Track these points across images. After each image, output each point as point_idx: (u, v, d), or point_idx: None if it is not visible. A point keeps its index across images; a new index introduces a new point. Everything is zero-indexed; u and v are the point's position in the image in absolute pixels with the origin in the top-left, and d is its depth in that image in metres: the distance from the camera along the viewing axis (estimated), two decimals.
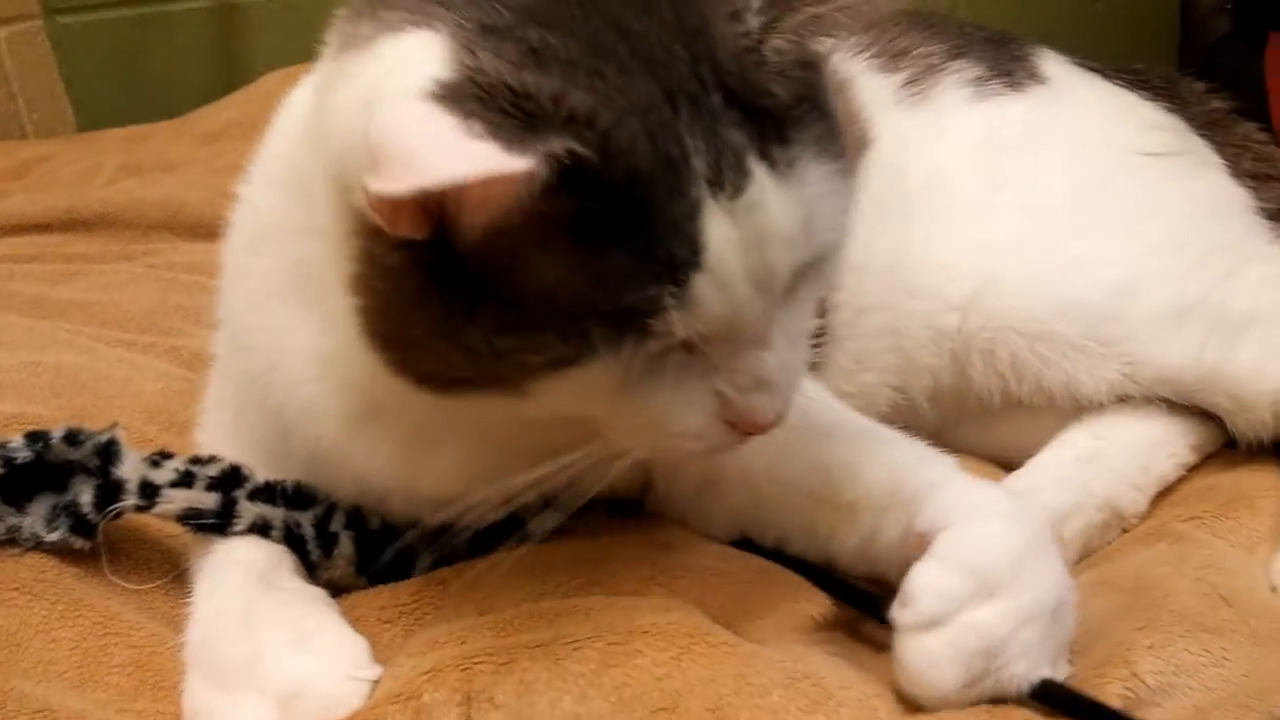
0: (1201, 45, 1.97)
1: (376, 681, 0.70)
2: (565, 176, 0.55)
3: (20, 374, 1.06)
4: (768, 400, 0.65)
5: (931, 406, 1.06)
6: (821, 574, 0.78)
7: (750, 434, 0.66)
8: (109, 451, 0.77)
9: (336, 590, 0.80)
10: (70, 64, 2.30)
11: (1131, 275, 0.97)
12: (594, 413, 0.65)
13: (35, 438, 0.77)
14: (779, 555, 0.80)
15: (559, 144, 0.55)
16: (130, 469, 0.76)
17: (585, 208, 0.57)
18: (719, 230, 0.59)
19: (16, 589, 0.74)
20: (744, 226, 0.59)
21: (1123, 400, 0.98)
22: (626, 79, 0.58)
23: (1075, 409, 0.99)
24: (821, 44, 0.63)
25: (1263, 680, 0.69)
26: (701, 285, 0.59)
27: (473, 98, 0.56)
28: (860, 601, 0.77)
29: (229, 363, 0.85)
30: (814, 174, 0.62)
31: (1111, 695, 0.67)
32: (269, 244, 0.79)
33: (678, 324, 0.59)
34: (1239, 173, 1.15)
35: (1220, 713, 0.67)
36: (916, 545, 0.70)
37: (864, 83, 1.06)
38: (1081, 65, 1.19)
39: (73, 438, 0.77)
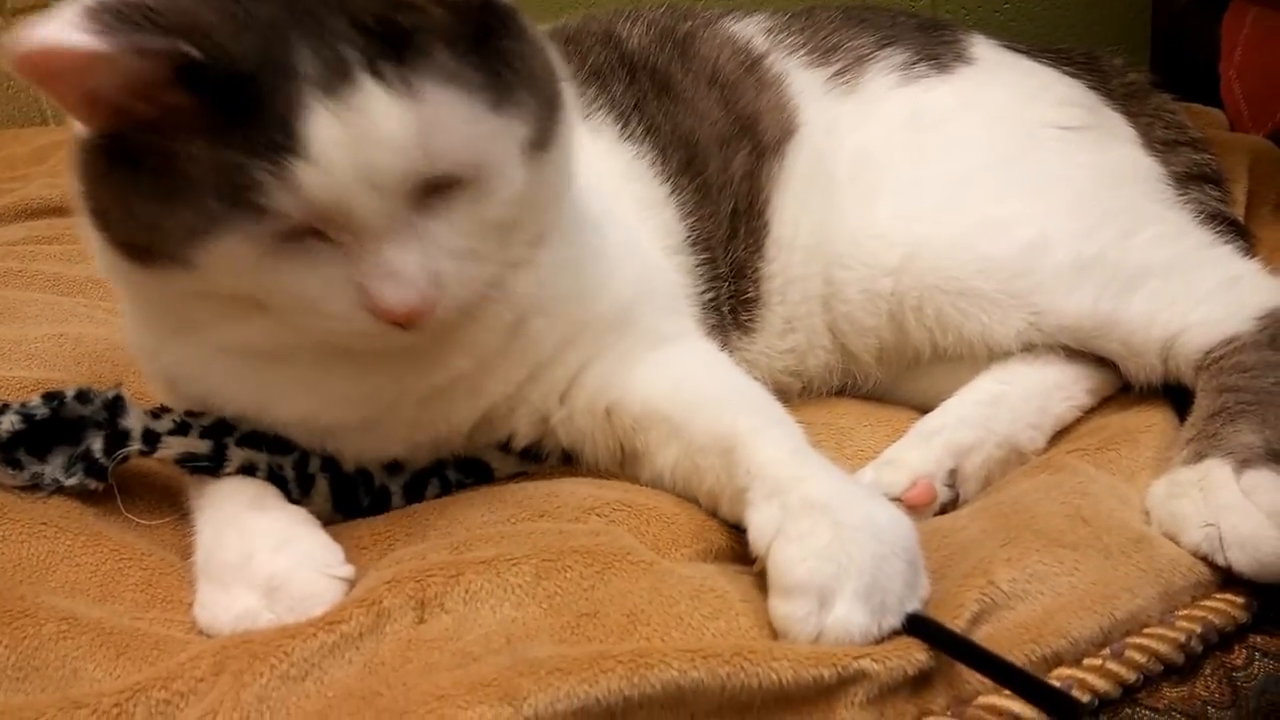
0: (1172, 8, 2.03)
1: (351, 582, 0.80)
2: (183, 73, 0.68)
3: (46, 344, 1.16)
4: (394, 289, 0.74)
5: (879, 365, 1.16)
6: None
7: (394, 323, 0.75)
8: (115, 406, 0.86)
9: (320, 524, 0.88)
10: None
11: (1039, 235, 1.06)
12: (249, 289, 0.76)
13: (51, 397, 0.85)
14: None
15: (162, 42, 0.68)
16: (134, 420, 0.86)
17: (201, 99, 0.69)
18: (323, 126, 0.70)
19: (45, 523, 0.84)
20: (349, 126, 0.70)
21: (1029, 349, 1.07)
22: (255, 2, 0.70)
23: (989, 357, 1.08)
24: None
25: (1108, 588, 0.77)
26: (303, 171, 0.70)
27: (113, 10, 0.69)
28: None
29: None
30: (437, 96, 0.72)
31: (969, 600, 0.75)
32: None
33: (285, 203, 0.70)
34: (1152, 140, 1.24)
35: (1066, 615, 0.75)
36: (760, 567, 0.77)
37: (794, 77, 1.17)
38: (1009, 46, 1.28)
39: (84, 396, 0.86)
